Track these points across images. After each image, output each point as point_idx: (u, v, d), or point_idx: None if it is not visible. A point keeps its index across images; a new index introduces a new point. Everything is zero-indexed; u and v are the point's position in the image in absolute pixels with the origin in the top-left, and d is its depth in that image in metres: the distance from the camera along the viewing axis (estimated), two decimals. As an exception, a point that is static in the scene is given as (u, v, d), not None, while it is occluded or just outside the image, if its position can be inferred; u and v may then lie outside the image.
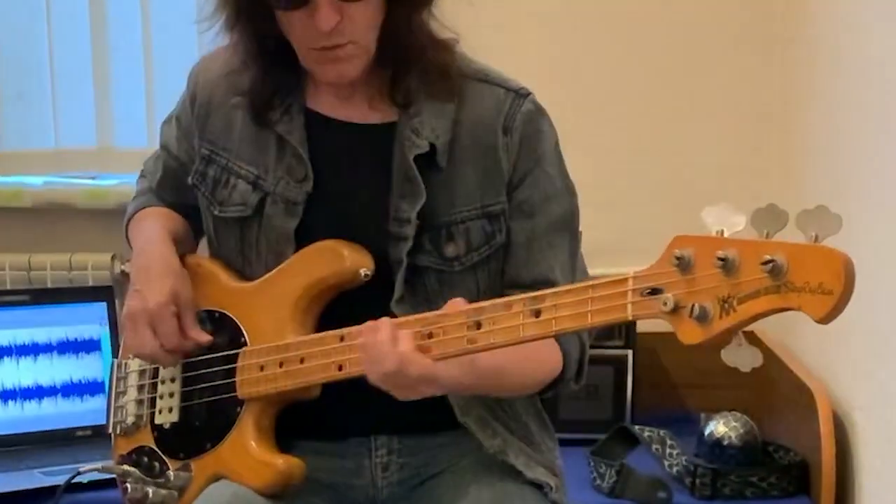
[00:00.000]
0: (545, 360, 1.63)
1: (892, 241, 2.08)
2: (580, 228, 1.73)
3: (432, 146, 1.63)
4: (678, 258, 1.28)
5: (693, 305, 1.26)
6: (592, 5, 2.85)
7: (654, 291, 1.30)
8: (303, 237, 1.66)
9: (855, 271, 1.18)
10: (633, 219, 2.82)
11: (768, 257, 1.21)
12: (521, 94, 1.67)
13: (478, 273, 1.65)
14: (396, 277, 1.62)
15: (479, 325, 1.45)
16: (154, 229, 1.78)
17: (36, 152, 3.02)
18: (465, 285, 1.63)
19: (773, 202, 1.24)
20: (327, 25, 1.54)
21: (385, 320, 1.49)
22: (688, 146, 2.87)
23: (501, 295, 1.57)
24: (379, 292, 1.61)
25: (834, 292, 1.17)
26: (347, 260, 1.61)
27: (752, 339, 1.35)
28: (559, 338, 1.63)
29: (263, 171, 1.69)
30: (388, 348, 1.45)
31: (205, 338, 1.69)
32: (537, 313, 1.42)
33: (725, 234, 1.26)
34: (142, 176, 1.91)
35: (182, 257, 1.75)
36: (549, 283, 1.59)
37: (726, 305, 1.24)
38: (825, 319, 1.19)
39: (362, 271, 1.60)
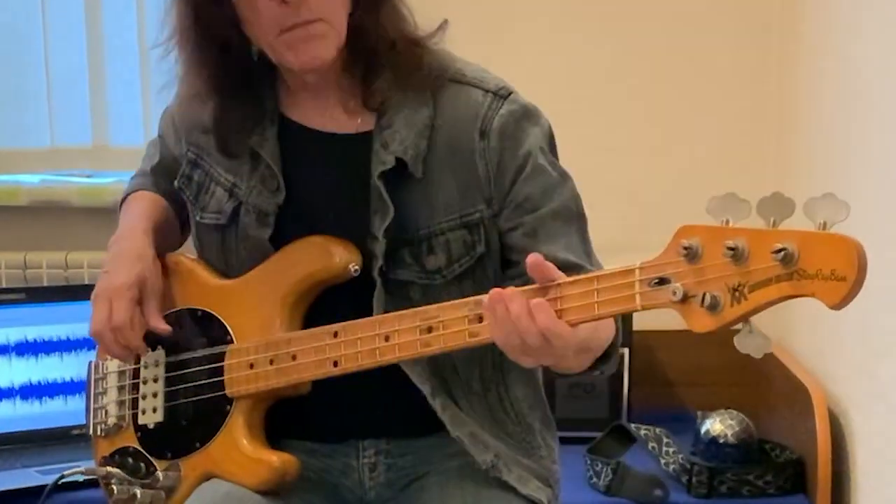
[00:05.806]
0: (607, 326, 1.54)
1: (887, 239, 2.08)
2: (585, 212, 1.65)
3: (399, 160, 1.57)
4: (686, 248, 1.27)
5: (704, 294, 1.26)
6: (592, 5, 2.85)
7: (662, 281, 1.30)
8: (279, 247, 1.64)
9: (867, 257, 1.18)
10: (632, 216, 2.82)
11: (779, 245, 1.20)
12: (500, 96, 1.60)
13: (463, 284, 1.60)
14: (374, 294, 1.58)
15: (480, 319, 1.44)
16: (137, 219, 1.77)
17: (32, 150, 3.02)
18: (452, 297, 1.54)
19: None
20: None
21: (512, 291, 1.39)
22: (686, 145, 2.87)
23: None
24: (362, 301, 1.58)
25: (847, 278, 1.17)
26: (336, 255, 1.59)
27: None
28: None
29: (239, 180, 1.67)
30: (526, 323, 1.36)
31: (164, 327, 1.67)
32: None
33: (731, 224, 1.25)
34: (146, 156, 1.89)
35: (162, 257, 1.74)
36: (559, 262, 1.48)
37: (737, 294, 1.24)
38: (839, 305, 1.19)
39: (352, 266, 1.58)
